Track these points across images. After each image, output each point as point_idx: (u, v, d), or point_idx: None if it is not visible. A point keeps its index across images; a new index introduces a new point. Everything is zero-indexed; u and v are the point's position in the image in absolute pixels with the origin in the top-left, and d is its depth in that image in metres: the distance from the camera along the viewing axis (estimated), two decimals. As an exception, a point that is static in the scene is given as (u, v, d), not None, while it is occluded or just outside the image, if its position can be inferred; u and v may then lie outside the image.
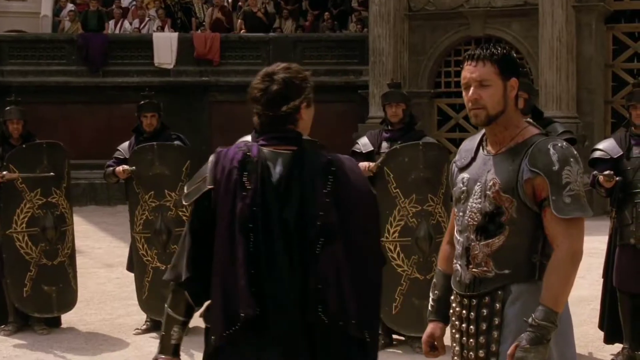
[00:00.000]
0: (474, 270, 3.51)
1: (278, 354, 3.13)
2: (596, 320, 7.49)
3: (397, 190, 7.24)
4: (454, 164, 3.73)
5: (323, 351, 3.15)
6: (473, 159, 3.61)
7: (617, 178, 6.80)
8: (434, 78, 17.66)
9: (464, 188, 3.58)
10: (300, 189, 3.18)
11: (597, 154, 7.12)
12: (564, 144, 3.44)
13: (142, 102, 8.33)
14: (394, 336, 7.55)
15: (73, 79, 19.19)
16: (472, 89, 3.48)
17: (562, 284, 3.34)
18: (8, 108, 8.24)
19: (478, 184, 3.52)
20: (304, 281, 3.13)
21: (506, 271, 3.44)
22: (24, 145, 8.09)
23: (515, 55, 3.61)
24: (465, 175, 3.60)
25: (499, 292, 3.46)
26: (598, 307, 7.40)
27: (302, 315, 3.13)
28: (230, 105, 18.30)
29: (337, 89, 18.79)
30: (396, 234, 7.25)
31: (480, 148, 3.61)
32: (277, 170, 3.21)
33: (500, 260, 3.44)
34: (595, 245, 11.54)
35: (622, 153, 6.96)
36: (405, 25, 17.40)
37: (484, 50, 3.50)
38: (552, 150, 3.39)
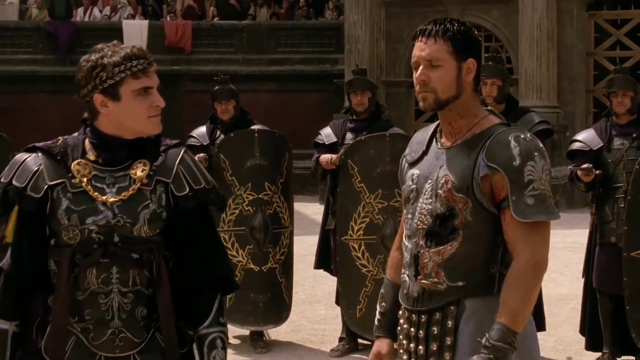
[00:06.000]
0: (423, 281, 3.02)
1: None
2: (576, 321, 7.14)
3: (362, 185, 6.88)
4: (403, 159, 3.25)
5: None
6: (424, 153, 3.13)
7: (597, 172, 6.46)
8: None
9: (414, 186, 3.10)
10: None
11: (575, 145, 6.78)
12: (528, 135, 2.96)
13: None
14: (359, 340, 7.19)
15: (40, 68, 18.69)
16: (420, 68, 3.00)
17: (522, 299, 2.86)
18: None
19: (429, 181, 3.04)
20: None
21: (460, 283, 2.97)
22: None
23: (475, 32, 3.12)
24: (415, 171, 3.12)
25: (452, 308, 2.98)
26: (577, 306, 7.07)
27: None
28: (202, 94, 17.64)
29: (312, 78, 18.47)
30: (361, 232, 6.89)
31: (434, 140, 3.13)
32: None
33: (453, 270, 2.97)
34: (575, 239, 11.25)
35: (602, 144, 6.65)
36: (382, 12, 17.11)
37: (437, 26, 3.02)
38: (513, 143, 2.90)
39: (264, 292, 7.01)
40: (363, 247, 6.87)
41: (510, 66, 15.32)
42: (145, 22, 19.48)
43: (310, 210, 14.49)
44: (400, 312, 3.15)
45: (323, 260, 7.37)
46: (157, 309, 2.95)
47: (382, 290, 3.34)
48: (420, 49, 3.03)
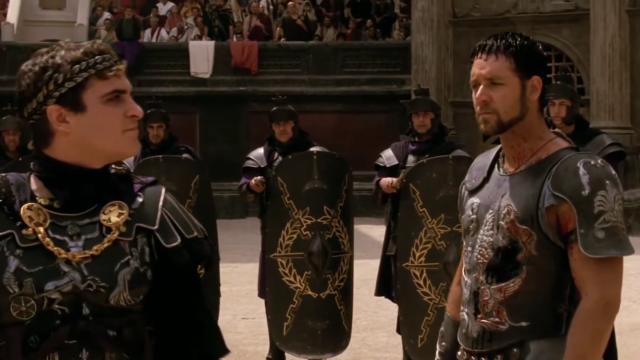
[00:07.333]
0: (483, 320, 2.78)
1: None
2: (650, 352, 6.79)
3: (424, 209, 6.61)
4: (463, 186, 3.01)
5: None
6: (485, 180, 2.89)
7: (673, 196, 6.11)
8: (480, 87, 17.20)
9: (474, 216, 2.86)
10: None
11: (649, 168, 6.43)
12: (599, 161, 2.69)
13: (148, 111, 7.72)
14: (421, 371, 6.89)
15: (107, 89, 18.86)
16: (480, 87, 2.77)
17: (591, 343, 2.62)
18: (4, 118, 7.69)
19: (490, 211, 2.79)
20: None
21: (523, 323, 2.72)
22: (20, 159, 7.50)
23: (540, 47, 2.88)
24: (475, 200, 2.88)
25: (515, 350, 2.74)
26: (653, 337, 6.70)
27: None
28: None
29: (379, 98, 18.37)
30: (422, 259, 6.62)
31: (496, 166, 2.89)
32: None
33: (516, 309, 2.72)
34: (650, 265, 10.85)
35: (678, 168, 6.26)
36: (450, 31, 17.00)
37: (498, 41, 2.79)
38: (582, 170, 2.64)
39: (323, 320, 6.81)
40: (425, 275, 6.62)
41: (581, 86, 15.03)
42: (212, 43, 19.57)
43: (375, 233, 14.27)
44: (459, 353, 2.92)
45: (384, 287, 7.16)
46: None
47: (441, 328, 3.11)
48: (480, 66, 2.80)
